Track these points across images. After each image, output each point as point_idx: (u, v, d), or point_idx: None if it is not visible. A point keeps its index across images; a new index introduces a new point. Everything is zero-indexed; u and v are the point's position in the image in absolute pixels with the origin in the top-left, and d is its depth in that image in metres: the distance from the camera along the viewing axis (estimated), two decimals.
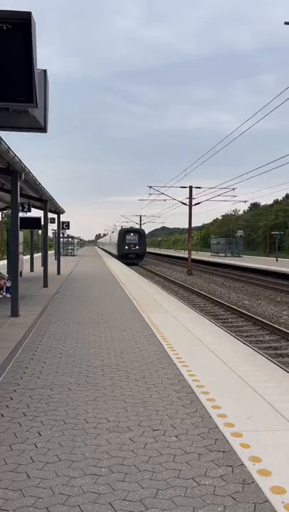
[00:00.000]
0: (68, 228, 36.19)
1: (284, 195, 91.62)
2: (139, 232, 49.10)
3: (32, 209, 18.62)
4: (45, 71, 4.37)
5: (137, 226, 66.11)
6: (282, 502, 2.70)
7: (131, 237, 47.13)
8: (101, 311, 10.19)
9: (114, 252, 50.78)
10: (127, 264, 34.75)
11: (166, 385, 4.91)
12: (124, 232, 47.97)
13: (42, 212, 17.51)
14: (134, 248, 46.59)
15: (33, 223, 20.45)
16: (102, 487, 2.86)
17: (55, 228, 26.91)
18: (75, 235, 74.55)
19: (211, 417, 4.02)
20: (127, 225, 64.20)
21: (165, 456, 3.29)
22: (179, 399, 4.48)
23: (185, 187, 35.13)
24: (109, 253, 62.05)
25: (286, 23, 6.57)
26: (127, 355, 6.27)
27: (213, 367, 5.67)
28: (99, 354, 6.31)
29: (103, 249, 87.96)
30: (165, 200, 46.20)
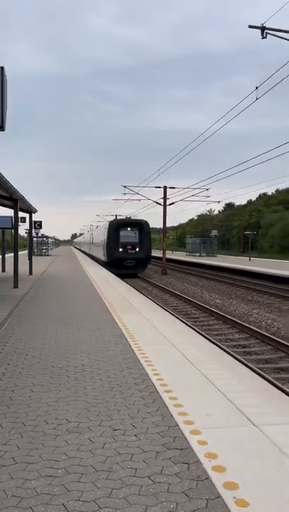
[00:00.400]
0: (41, 228, 35.55)
1: (257, 196, 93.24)
2: (140, 225, 31.28)
3: (2, 208, 18.30)
4: (1, 68, 4.28)
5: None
6: (234, 497, 2.75)
7: (128, 234, 30.85)
8: (71, 312, 10.12)
9: (101, 256, 33.54)
10: (122, 276, 23.77)
11: (130, 385, 4.92)
12: (116, 226, 31.21)
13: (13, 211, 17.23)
14: (132, 251, 30.07)
15: (5, 223, 20.09)
16: (56, 488, 2.85)
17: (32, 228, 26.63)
18: (50, 235, 73.50)
19: (172, 415, 4.06)
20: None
21: (123, 455, 3.31)
22: (142, 398, 4.51)
23: (159, 187, 35.24)
24: (92, 257, 42.94)
25: (250, 27, 6.70)
26: (93, 355, 6.25)
27: (179, 366, 5.72)
28: (65, 355, 6.27)
29: (82, 251, 69.80)
30: (140, 200, 42.10)
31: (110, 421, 3.94)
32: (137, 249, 30.10)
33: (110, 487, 2.87)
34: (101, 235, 35.23)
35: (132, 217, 38.97)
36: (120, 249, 29.89)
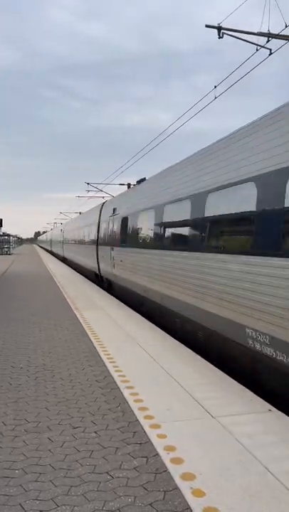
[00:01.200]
0: (1, 226, 34.79)
1: None
2: None
3: None
4: None
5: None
6: (191, 488, 2.81)
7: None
8: (33, 311, 9.96)
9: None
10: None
11: (91, 382, 4.91)
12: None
13: None
14: None
15: None
16: (13, 489, 2.82)
17: None
18: (12, 233, 71.85)
19: (132, 410, 4.09)
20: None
21: (82, 452, 3.30)
22: (103, 395, 4.51)
23: (123, 184, 35.22)
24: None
25: (207, 27, 6.80)
26: (55, 354, 6.19)
27: (141, 362, 5.76)
28: (26, 354, 6.17)
29: (52, 253, 51.47)
30: (103, 197, 42.37)
31: (70, 419, 3.92)
32: None
33: (69, 485, 2.86)
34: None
35: None
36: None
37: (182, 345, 6.83)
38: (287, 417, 3.95)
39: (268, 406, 4.20)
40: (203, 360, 5.91)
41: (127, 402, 4.29)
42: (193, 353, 6.27)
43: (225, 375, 5.23)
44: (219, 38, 6.98)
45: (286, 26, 6.71)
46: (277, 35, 6.75)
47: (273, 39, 6.97)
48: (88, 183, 36.67)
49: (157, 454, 3.25)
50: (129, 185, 34.65)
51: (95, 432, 3.64)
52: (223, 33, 7.02)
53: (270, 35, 6.81)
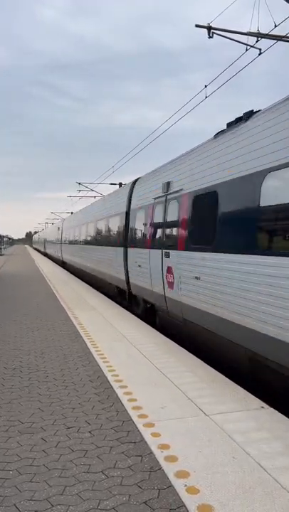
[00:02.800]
0: None
1: None
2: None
3: None
4: None
5: None
6: (185, 485, 2.84)
7: None
8: (26, 311, 9.92)
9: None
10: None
11: (84, 382, 4.92)
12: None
13: None
14: None
15: None
16: (8, 490, 2.81)
17: None
18: (3, 234, 71.47)
19: (126, 410, 4.10)
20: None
21: (76, 452, 3.31)
22: (97, 395, 4.52)
23: (115, 183, 35.18)
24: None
25: (197, 26, 6.82)
26: (48, 354, 6.18)
27: (134, 361, 5.78)
28: (19, 355, 6.15)
29: (47, 256, 45.12)
30: (95, 196, 42.26)
31: (64, 419, 3.92)
32: None
33: (63, 484, 2.87)
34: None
35: None
36: None
37: (175, 344, 6.86)
38: (279, 413, 4.00)
39: (261, 403, 4.24)
40: (196, 358, 5.94)
41: (121, 402, 4.30)
42: (187, 352, 6.30)
43: (218, 373, 5.26)
44: (209, 37, 7.01)
45: (275, 26, 6.76)
46: (267, 35, 6.80)
47: (263, 39, 7.01)
48: (79, 183, 36.58)
49: (151, 453, 3.27)
50: (120, 184, 34.64)
51: (89, 432, 3.65)
52: (213, 33, 7.06)
53: (259, 35, 6.85)
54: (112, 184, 36.60)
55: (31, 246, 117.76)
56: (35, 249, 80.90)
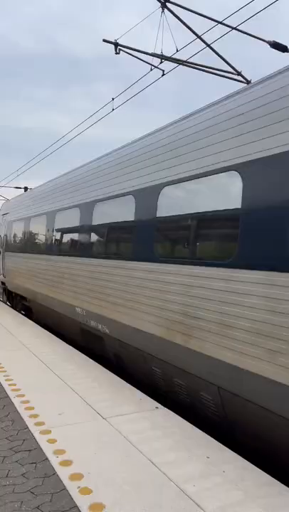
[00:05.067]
0: None
1: None
2: None
3: None
4: None
5: None
6: (78, 487, 2.90)
7: None
8: None
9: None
10: None
11: None
12: None
13: None
14: None
15: None
16: None
17: None
18: None
19: (22, 418, 4.03)
20: None
21: None
22: None
23: (20, 187, 33.98)
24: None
25: (104, 41, 7.04)
26: None
27: (33, 369, 5.67)
28: None
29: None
30: None
31: None
32: None
33: None
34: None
35: None
36: None
37: (76, 351, 6.88)
38: (171, 412, 4.26)
39: (156, 404, 4.47)
40: (96, 364, 6.03)
41: (17, 411, 4.21)
42: (87, 358, 6.36)
43: (116, 376, 5.41)
44: (116, 53, 7.26)
45: (177, 50, 7.25)
46: (169, 57, 7.26)
47: (166, 61, 7.47)
48: None
49: (46, 459, 3.27)
50: (26, 188, 33.54)
51: None
52: (119, 49, 7.33)
53: (162, 57, 7.29)
54: (16, 188, 35.21)
55: None
56: None
